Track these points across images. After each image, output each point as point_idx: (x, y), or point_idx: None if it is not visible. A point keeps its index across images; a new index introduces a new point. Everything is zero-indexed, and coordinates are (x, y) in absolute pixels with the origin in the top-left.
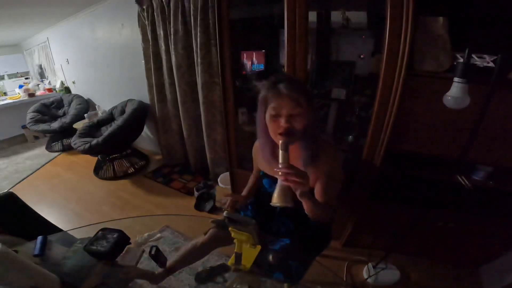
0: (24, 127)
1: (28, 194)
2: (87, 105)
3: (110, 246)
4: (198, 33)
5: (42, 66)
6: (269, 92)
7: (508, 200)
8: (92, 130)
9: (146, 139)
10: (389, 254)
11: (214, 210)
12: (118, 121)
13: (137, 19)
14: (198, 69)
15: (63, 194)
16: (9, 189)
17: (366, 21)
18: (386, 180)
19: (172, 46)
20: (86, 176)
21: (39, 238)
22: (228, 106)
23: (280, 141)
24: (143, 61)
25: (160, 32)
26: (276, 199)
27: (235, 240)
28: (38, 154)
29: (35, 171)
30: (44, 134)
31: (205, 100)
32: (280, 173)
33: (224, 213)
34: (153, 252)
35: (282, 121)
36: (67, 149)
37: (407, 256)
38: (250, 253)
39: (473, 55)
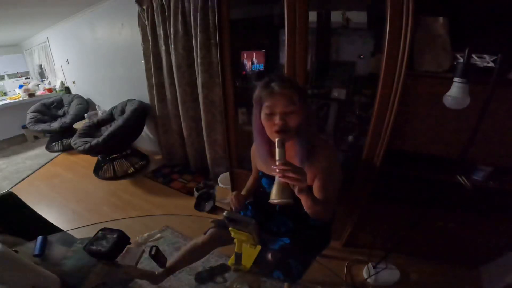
0: (24, 127)
1: (28, 194)
2: (87, 105)
3: (110, 246)
4: (198, 33)
5: (42, 66)
6: (262, 92)
7: (508, 200)
8: (92, 130)
9: (146, 139)
10: (389, 254)
11: (214, 210)
12: (118, 121)
13: (137, 19)
14: (198, 69)
15: (63, 194)
16: (9, 189)
17: (366, 21)
18: (386, 180)
19: (172, 46)
20: (86, 176)
21: (39, 238)
22: (228, 106)
23: (276, 139)
24: (143, 61)
25: (160, 32)
26: (274, 196)
27: (235, 240)
28: (38, 154)
29: (35, 171)
30: (44, 134)
31: (205, 100)
32: (277, 170)
33: (224, 213)
34: (153, 252)
35: (277, 119)
36: (67, 149)
37: (407, 256)
38: (250, 253)
39: (473, 55)
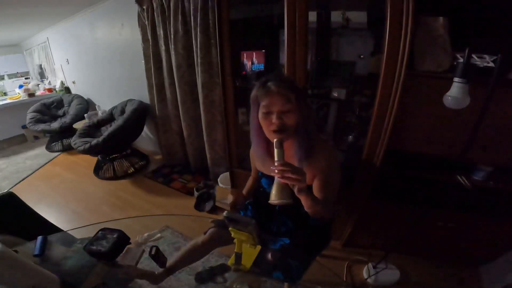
0: (24, 127)
1: (28, 194)
2: (87, 105)
3: (110, 246)
4: (198, 33)
5: (42, 66)
6: (259, 91)
7: (508, 200)
8: (92, 130)
9: (146, 139)
10: (389, 254)
11: (214, 210)
12: (118, 121)
13: (137, 19)
14: (198, 69)
15: (63, 194)
16: (9, 189)
17: (366, 21)
18: (386, 180)
19: (172, 46)
20: (86, 176)
21: (39, 238)
22: (228, 106)
23: (274, 140)
24: (143, 61)
25: (160, 32)
26: (273, 196)
27: (235, 240)
28: (38, 154)
29: (35, 171)
30: (44, 134)
31: (205, 100)
32: (276, 170)
33: (224, 213)
34: (153, 252)
35: (274, 118)
36: (67, 149)
37: (407, 256)
38: (250, 253)
39: (473, 55)
